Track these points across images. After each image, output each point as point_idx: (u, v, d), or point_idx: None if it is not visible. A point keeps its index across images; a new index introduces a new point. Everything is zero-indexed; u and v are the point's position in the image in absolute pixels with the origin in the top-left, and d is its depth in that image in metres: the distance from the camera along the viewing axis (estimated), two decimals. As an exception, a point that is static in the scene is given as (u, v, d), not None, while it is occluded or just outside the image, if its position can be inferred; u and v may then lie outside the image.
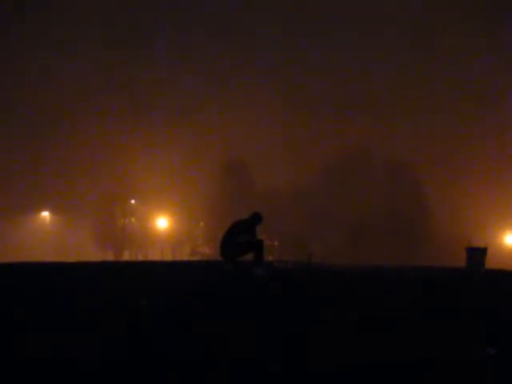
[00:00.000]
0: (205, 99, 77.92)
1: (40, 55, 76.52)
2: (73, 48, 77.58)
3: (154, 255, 75.55)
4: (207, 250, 71.70)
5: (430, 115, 75.35)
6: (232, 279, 13.36)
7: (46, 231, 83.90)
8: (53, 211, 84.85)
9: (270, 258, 39.17)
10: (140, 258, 75.07)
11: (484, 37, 70.83)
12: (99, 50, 77.84)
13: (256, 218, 15.24)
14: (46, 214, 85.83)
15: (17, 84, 77.46)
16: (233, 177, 71.48)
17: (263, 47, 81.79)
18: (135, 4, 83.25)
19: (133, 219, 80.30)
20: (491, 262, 24.45)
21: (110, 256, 74.29)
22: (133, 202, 79.52)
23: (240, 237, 14.91)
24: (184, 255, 73.80)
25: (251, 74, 76.92)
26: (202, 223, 75.06)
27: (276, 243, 64.06)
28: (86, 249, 73.02)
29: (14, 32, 78.41)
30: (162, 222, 79.98)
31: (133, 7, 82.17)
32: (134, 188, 77.33)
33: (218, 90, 78.64)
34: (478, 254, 22.36)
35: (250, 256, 14.95)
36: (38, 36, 77.97)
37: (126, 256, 77.13)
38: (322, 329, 6.57)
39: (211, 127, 74.89)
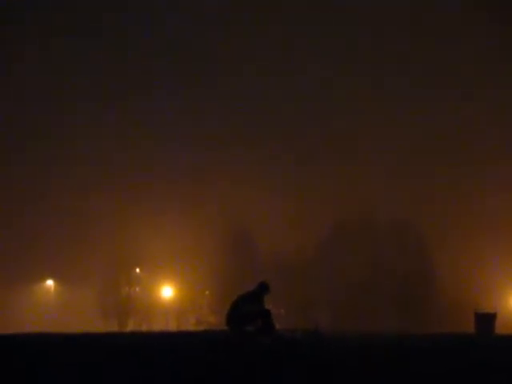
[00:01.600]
0: (210, 171, 78.93)
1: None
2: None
3: (159, 324, 74.57)
4: (212, 320, 70.97)
5: (428, 179, 75.82)
6: (234, 359, 13.01)
7: (50, 300, 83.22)
8: (57, 280, 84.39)
9: (277, 327, 38.57)
10: (144, 327, 74.10)
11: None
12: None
13: (263, 288, 15.01)
14: (50, 282, 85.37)
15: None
16: (238, 245, 71.64)
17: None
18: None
19: (138, 288, 79.69)
20: (499, 326, 24.04)
21: (114, 325, 73.36)
22: (138, 270, 79.11)
23: (245, 307, 14.64)
24: (189, 324, 72.83)
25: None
26: (207, 292, 74.45)
27: (282, 311, 63.41)
28: (90, 318, 72.20)
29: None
30: (167, 291, 79.33)
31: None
32: (139, 257, 77.16)
33: (224, 163, 79.76)
34: (487, 319, 21.96)
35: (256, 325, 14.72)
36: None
37: (131, 325, 76.16)
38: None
39: (216, 198, 75.43)
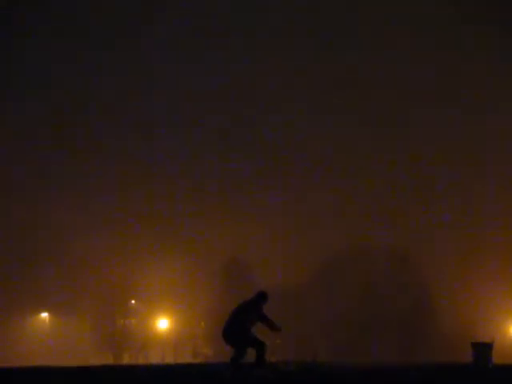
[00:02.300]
0: (203, 205, 79.69)
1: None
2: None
3: (155, 356, 74.02)
4: (209, 351, 70.95)
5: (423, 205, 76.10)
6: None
7: (45, 333, 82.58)
8: (52, 313, 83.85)
9: (273, 359, 38.34)
10: (141, 360, 73.51)
11: None
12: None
13: (260, 296, 14.97)
14: (45, 315, 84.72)
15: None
16: (232, 277, 71.75)
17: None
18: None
19: (133, 320, 79.18)
20: (497, 355, 23.99)
21: (109, 358, 72.80)
22: (133, 302, 78.68)
23: (241, 316, 14.67)
24: (186, 357, 72.34)
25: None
26: (202, 323, 74.09)
27: (278, 341, 63.05)
28: (85, 351, 71.70)
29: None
30: (163, 323, 78.86)
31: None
32: (134, 289, 76.84)
33: (217, 197, 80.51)
34: (484, 349, 21.94)
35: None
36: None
37: (126, 358, 75.56)
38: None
39: (213, 232, 75.81)
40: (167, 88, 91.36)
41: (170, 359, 70.50)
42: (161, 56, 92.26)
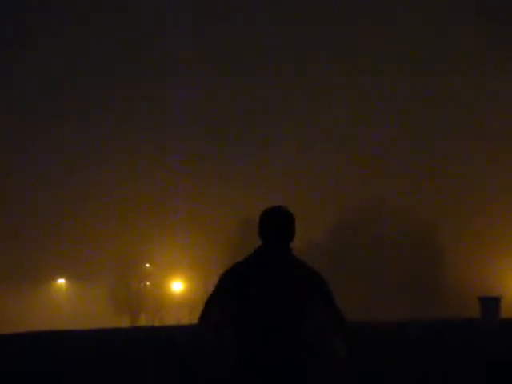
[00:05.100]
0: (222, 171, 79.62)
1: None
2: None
3: (171, 319, 75.17)
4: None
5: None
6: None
7: (62, 298, 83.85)
8: (68, 278, 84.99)
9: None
10: (157, 322, 74.67)
11: None
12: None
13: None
14: (61, 281, 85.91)
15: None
16: (248, 237, 71.87)
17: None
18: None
19: (148, 283, 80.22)
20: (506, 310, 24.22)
21: (126, 321, 73.95)
22: (148, 265, 79.59)
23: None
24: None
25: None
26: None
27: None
28: (102, 314, 72.84)
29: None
30: (178, 286, 79.83)
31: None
32: (149, 252, 77.65)
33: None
34: (491, 304, 22.21)
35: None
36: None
37: (143, 320, 76.75)
38: None
39: (227, 197, 76.02)
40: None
41: (185, 321, 71.62)
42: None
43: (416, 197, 70.31)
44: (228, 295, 4.33)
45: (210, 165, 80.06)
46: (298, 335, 4.21)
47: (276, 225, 4.59)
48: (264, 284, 4.30)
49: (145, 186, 79.63)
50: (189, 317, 77.22)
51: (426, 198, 70.66)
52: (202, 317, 4.31)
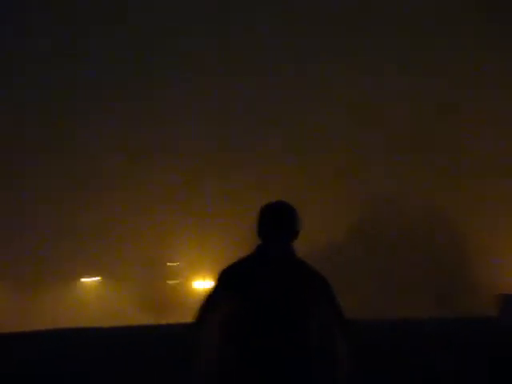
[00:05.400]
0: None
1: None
2: None
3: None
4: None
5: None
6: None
7: (91, 297, 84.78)
8: (103, 277, 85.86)
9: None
10: (182, 319, 75.19)
11: None
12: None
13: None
14: (91, 279, 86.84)
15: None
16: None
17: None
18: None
19: (175, 281, 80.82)
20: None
21: (151, 319, 74.74)
22: (176, 264, 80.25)
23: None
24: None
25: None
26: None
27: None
28: (130, 312, 73.66)
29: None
30: (207, 284, 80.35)
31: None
32: (178, 249, 78.20)
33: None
34: (509, 300, 22.13)
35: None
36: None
37: (171, 319, 77.50)
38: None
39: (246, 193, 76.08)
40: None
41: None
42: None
43: (440, 195, 69.66)
44: (228, 292, 4.32)
45: (242, 161, 79.86)
46: (302, 334, 4.14)
47: (277, 222, 4.36)
48: (266, 281, 4.22)
49: (173, 180, 79.86)
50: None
51: (450, 196, 69.99)
52: (199, 317, 4.46)
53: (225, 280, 4.43)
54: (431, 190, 69.94)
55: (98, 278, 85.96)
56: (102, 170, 79.40)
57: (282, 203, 4.38)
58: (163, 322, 74.07)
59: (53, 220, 78.73)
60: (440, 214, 68.72)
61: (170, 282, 79.67)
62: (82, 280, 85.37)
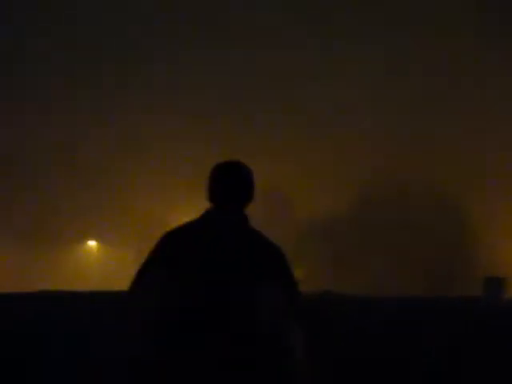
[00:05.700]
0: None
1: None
2: None
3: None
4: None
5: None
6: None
7: (92, 261, 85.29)
8: (99, 241, 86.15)
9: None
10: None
11: None
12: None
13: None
14: (92, 243, 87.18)
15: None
16: (270, 205, 71.90)
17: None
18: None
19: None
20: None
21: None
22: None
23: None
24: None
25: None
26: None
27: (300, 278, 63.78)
28: (128, 276, 74.33)
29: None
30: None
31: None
32: (176, 217, 78.44)
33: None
34: (495, 284, 22.65)
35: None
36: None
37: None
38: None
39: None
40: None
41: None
42: None
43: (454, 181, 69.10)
44: (162, 265, 3.64)
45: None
46: (245, 319, 3.42)
47: (228, 183, 3.72)
48: (208, 251, 3.54)
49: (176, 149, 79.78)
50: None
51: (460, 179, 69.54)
52: (132, 287, 3.79)
53: (160, 251, 3.66)
54: (431, 164, 69.63)
55: (94, 243, 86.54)
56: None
57: (234, 162, 3.79)
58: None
59: (52, 181, 78.67)
60: (440, 189, 68.49)
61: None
62: (89, 243, 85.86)
